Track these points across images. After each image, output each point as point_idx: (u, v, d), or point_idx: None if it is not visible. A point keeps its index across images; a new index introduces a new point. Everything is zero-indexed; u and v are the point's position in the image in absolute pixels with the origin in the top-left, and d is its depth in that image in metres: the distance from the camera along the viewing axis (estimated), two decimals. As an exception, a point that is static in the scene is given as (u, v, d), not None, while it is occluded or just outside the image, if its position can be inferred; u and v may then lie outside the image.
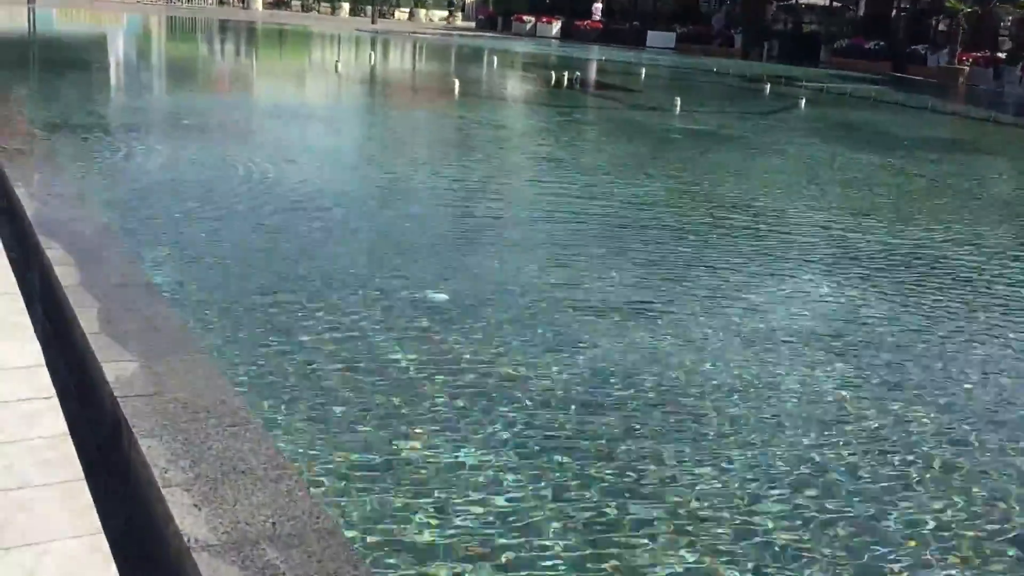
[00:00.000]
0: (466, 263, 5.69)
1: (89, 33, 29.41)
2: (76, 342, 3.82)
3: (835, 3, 42.37)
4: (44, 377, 3.38)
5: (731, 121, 15.56)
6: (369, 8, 49.73)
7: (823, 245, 6.97)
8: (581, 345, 4.35)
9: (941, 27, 36.91)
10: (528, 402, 3.68)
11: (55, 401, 3.12)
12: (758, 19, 39.03)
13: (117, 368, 3.37)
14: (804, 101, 18.98)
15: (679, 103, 16.48)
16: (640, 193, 8.56)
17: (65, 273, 4.39)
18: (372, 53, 26.36)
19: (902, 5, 39.77)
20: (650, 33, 40.73)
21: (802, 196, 9.10)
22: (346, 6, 52.17)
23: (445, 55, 29.24)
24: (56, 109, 10.68)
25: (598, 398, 3.80)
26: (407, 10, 56.09)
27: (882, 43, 35.06)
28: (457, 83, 17.10)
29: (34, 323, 3.94)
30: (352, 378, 3.80)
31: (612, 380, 3.98)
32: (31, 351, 3.53)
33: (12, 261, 4.87)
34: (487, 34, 42.98)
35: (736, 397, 3.90)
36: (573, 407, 3.69)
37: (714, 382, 4.04)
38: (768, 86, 22.45)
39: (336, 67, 19.61)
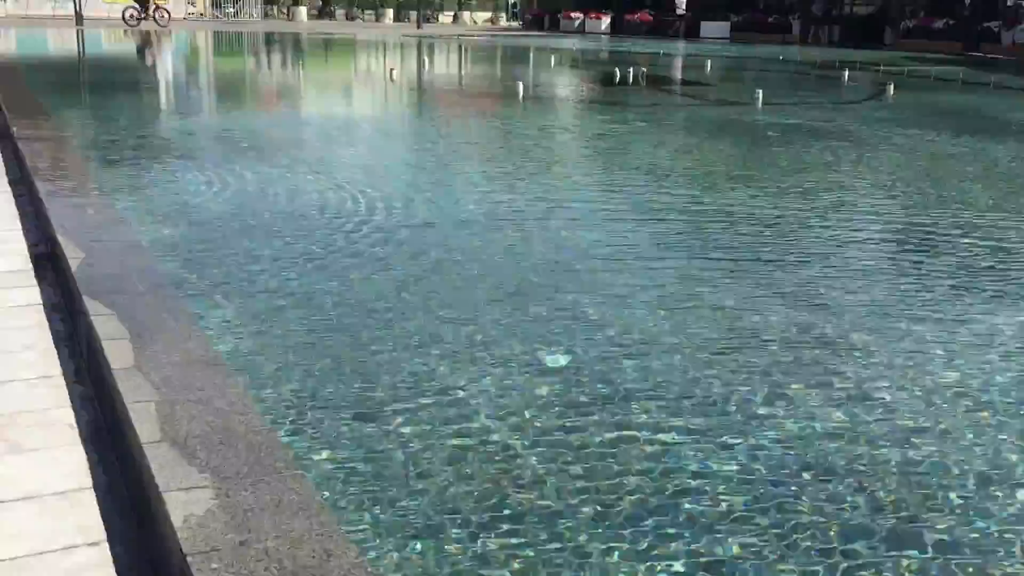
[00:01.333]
0: (586, 311, 4.54)
1: (138, 53, 28.83)
2: (130, 454, 2.79)
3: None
4: (90, 510, 2.37)
5: (825, 113, 14.24)
6: (413, 14, 48.94)
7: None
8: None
9: (1010, 3, 34.99)
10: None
11: (105, 551, 2.13)
12: (817, 3, 37.36)
13: (185, 500, 2.32)
14: (891, 87, 17.55)
15: (760, 96, 15.21)
16: (788, 210, 7.36)
17: (114, 351, 3.38)
18: (425, 59, 25.38)
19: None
20: (704, 24, 39.27)
21: (988, 205, 7.78)
22: (390, 12, 51.43)
23: (500, 57, 28.15)
24: (105, 134, 9.78)
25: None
26: (451, 14, 55.23)
27: (951, 22, 33.26)
28: (521, 87, 15.99)
29: (78, 420, 2.95)
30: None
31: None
32: (73, 464, 2.55)
33: (55, 332, 3.91)
34: (535, 33, 41.83)
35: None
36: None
37: None
38: (845, 73, 21.01)
39: (391, 75, 18.62)
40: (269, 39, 33.75)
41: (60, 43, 28.15)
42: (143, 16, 34.78)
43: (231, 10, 47.76)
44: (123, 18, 34.91)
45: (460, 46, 32.02)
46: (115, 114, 11.76)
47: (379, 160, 9.30)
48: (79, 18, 34.47)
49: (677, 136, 11.57)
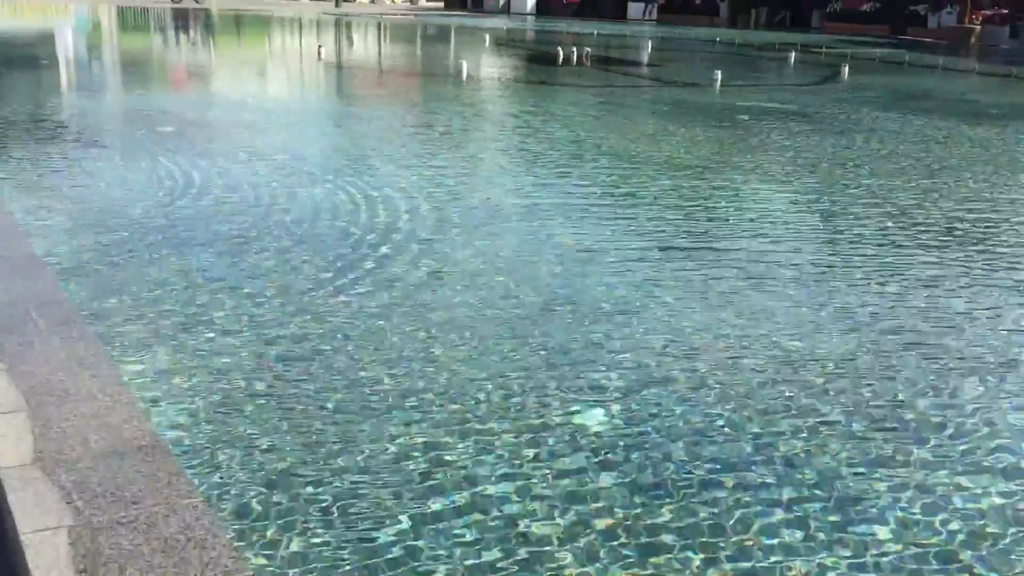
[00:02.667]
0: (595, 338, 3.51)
1: (36, 29, 26.62)
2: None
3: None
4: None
5: (787, 96, 13.45)
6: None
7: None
8: None
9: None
10: None
11: None
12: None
13: None
14: (844, 69, 16.93)
15: (719, 77, 14.38)
16: (793, 199, 6.44)
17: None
18: (350, 38, 23.91)
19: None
20: (631, 4, 38.49)
21: (981, 184, 7.00)
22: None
23: (432, 37, 26.79)
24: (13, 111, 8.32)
25: None
26: (370, -9, 53.36)
27: (878, 5, 33.17)
28: (464, 67, 14.81)
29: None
30: None
31: None
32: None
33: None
34: (460, 13, 40.48)
35: None
36: None
37: None
38: (792, 55, 20.38)
39: (319, 53, 17.21)
40: (184, 16, 31.67)
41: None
42: None
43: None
44: None
45: (386, 25, 30.54)
46: (8, 93, 10.22)
47: (328, 146, 8.07)
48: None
49: (639, 119, 10.57)
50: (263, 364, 3.42)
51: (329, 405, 3.12)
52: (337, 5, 41.93)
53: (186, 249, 4.68)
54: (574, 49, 18.68)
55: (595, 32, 28.23)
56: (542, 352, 3.59)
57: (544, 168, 7.36)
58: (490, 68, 16.81)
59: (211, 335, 3.65)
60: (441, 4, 53.58)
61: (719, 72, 14.70)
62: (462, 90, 12.99)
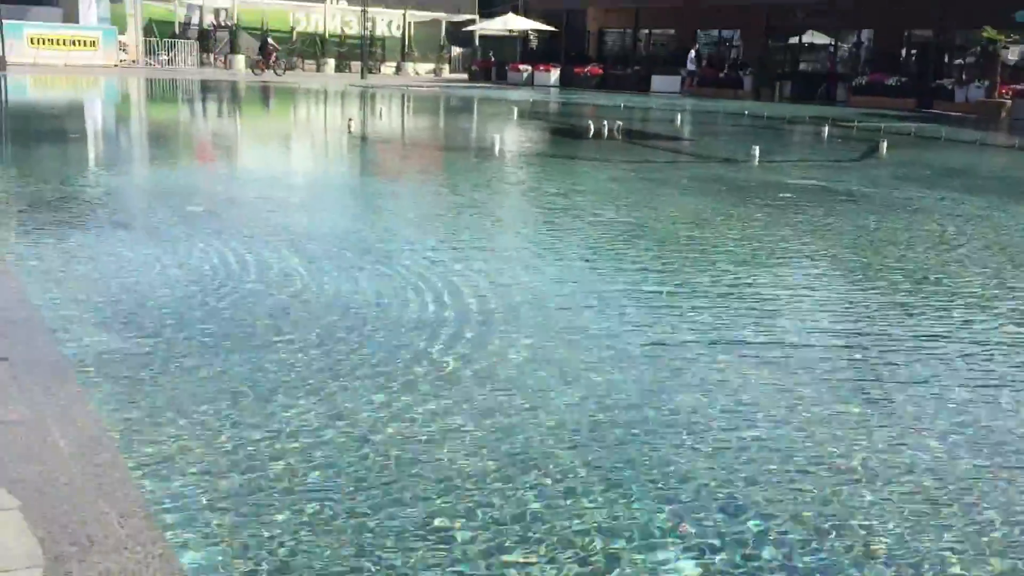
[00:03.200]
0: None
1: (69, 99, 26.86)
2: None
3: (839, 42, 40.62)
4: None
5: (829, 173, 13.07)
6: (354, 64, 47.59)
7: None
8: None
9: (959, 61, 35.07)
10: None
11: None
12: (767, 59, 37.02)
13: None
14: (883, 145, 16.60)
15: (757, 153, 14.06)
16: (864, 288, 5.98)
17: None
18: (379, 110, 23.87)
19: (913, 39, 38.03)
20: (655, 77, 38.60)
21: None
22: (331, 62, 49.96)
23: (459, 109, 26.76)
24: (38, 190, 8.02)
25: None
26: (393, 64, 54.03)
27: (904, 79, 33.05)
28: (497, 141, 14.58)
29: None
30: None
31: None
32: None
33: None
34: (485, 85, 40.73)
35: None
36: None
37: None
38: (824, 129, 20.12)
39: (349, 127, 17.06)
40: (212, 88, 31.93)
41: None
42: (265, 66, 39.05)
43: (164, 57, 45.75)
44: (249, 68, 40.16)
45: (413, 97, 30.64)
46: (36, 167, 9.98)
47: (367, 226, 7.70)
48: (2, 63, 32.22)
49: (687, 199, 10.19)
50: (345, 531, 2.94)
51: None
52: (363, 76, 42.34)
53: (229, 353, 4.25)
54: (604, 122, 18.47)
55: (621, 104, 28.18)
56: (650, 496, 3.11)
57: (591, 254, 6.95)
58: (523, 142, 16.60)
59: (263, 470, 3.19)
60: (465, 76, 54.14)
61: (756, 147, 14.38)
62: (498, 166, 12.70)
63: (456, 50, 58.56)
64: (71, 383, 3.75)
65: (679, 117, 22.30)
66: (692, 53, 38.12)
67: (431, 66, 56.33)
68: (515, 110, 23.13)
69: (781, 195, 10.47)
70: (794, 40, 40.84)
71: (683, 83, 36.57)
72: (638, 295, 5.68)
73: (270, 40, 42.16)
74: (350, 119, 17.73)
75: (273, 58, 39.75)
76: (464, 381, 4.01)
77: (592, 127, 18.26)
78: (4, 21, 32.40)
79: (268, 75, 40.14)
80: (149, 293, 5.18)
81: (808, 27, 41.07)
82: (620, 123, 18.64)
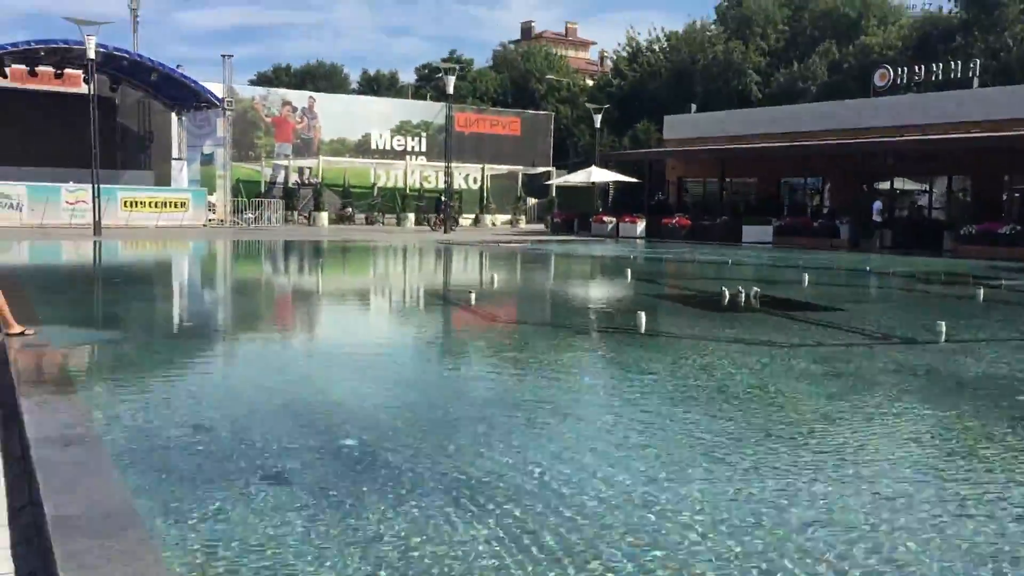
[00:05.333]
0: None
1: (155, 261, 26.06)
2: None
3: (932, 188, 38.93)
4: None
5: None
6: (432, 217, 47.13)
7: None
8: None
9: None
10: None
11: None
12: (864, 207, 35.29)
13: None
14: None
15: (943, 330, 11.98)
16: None
17: None
18: (487, 270, 22.44)
19: (1014, 184, 36.14)
20: (745, 228, 37.02)
21: None
22: (411, 216, 49.64)
23: (567, 269, 25.19)
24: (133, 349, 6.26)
25: None
26: (471, 216, 53.63)
27: (1018, 227, 30.95)
28: (643, 319, 12.74)
29: None
30: None
31: None
32: None
33: None
34: (571, 238, 39.54)
35: None
36: None
37: None
38: (980, 291, 18.00)
39: (471, 300, 15.42)
40: (296, 248, 31.09)
41: (78, 255, 25.31)
42: (442, 224, 41.80)
43: (251, 216, 45.77)
44: (427, 224, 44.69)
45: (511, 256, 29.30)
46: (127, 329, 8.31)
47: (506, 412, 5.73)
48: (97, 227, 31.93)
49: (921, 408, 8.07)
50: None
51: None
52: (446, 231, 41.55)
53: None
54: (740, 288, 16.63)
55: (729, 260, 26.43)
56: None
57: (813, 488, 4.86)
58: (665, 315, 14.74)
59: None
60: (541, 226, 53.38)
61: (942, 324, 12.32)
62: (654, 353, 10.75)
63: (531, 200, 58.19)
64: None
65: (805, 277, 20.36)
66: (878, 204, 36.12)
67: (507, 217, 55.84)
68: (627, 270, 21.45)
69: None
70: (883, 185, 39.27)
71: (869, 234, 34.19)
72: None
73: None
74: (470, 293, 16.09)
75: (444, 215, 43.28)
76: None
77: (727, 294, 16.42)
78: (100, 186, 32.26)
79: (355, 230, 39.56)
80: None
81: (899, 174, 39.57)
82: (757, 289, 16.77)
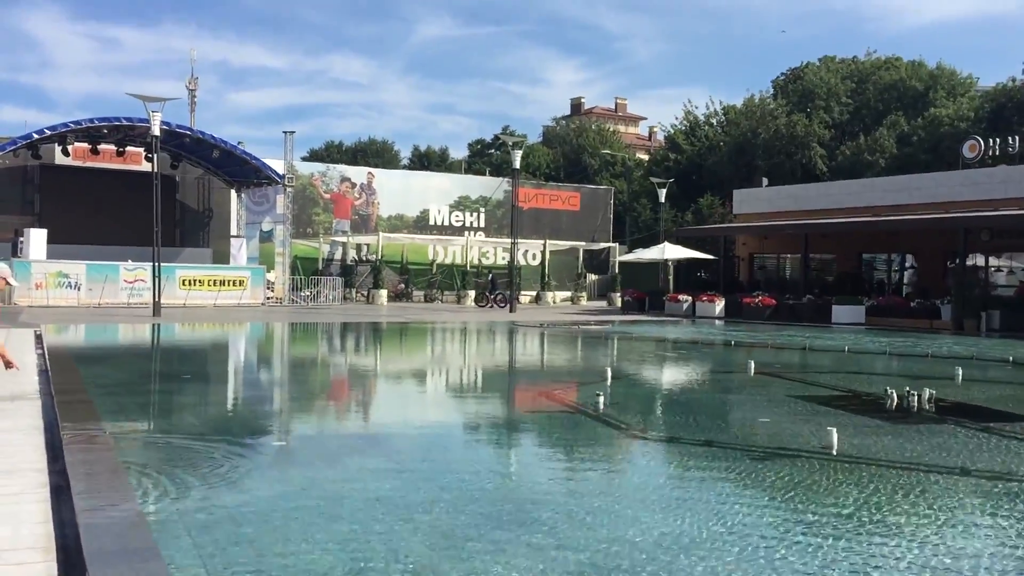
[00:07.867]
0: None
1: (214, 342, 23.93)
2: None
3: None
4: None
5: None
6: (489, 295, 44.80)
7: None
8: None
9: None
10: None
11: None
12: (970, 286, 32.31)
13: None
14: None
15: None
16: None
17: None
18: (588, 360, 19.84)
19: None
20: (835, 308, 34.12)
21: None
22: (472, 293, 47.37)
23: (672, 357, 22.41)
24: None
25: None
26: (531, 293, 51.24)
27: None
28: (835, 444, 10.05)
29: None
30: None
31: None
32: None
33: None
34: (647, 318, 36.85)
35: None
36: None
37: None
38: None
39: (599, 404, 12.77)
40: (353, 329, 28.78)
41: (135, 339, 23.18)
42: (500, 302, 41.66)
43: (307, 293, 43.74)
44: (475, 302, 44.33)
45: (596, 343, 26.70)
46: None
47: None
48: (157, 308, 29.89)
49: None
50: None
51: None
52: (512, 310, 39.11)
53: None
54: (908, 389, 13.84)
55: (846, 348, 23.57)
56: None
57: None
58: (833, 426, 11.92)
59: None
60: (603, 303, 50.76)
61: None
62: (852, 488, 8.00)
63: (591, 277, 55.80)
64: None
65: (957, 371, 17.46)
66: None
67: (567, 294, 53.42)
68: (746, 362, 18.66)
69: None
70: (977, 261, 36.33)
71: (973, 314, 30.84)
72: None
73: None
74: (598, 395, 13.43)
75: (494, 294, 43.55)
76: None
77: (894, 396, 13.66)
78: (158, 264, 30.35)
79: (416, 308, 37.21)
80: None
81: (996, 249, 36.63)
82: (932, 392, 13.96)
